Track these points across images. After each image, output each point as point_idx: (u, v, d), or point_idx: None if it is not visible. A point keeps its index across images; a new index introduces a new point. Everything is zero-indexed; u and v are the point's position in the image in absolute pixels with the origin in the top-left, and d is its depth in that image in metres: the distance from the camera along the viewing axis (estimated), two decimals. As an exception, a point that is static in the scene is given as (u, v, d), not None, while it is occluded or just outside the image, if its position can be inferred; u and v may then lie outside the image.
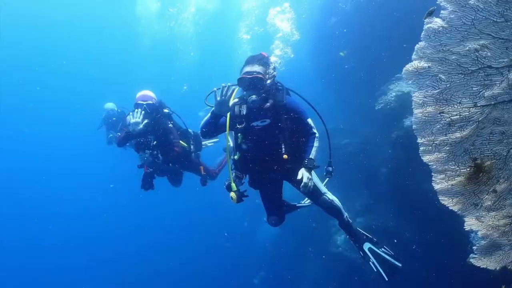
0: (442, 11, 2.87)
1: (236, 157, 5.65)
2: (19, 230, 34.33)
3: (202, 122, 5.52)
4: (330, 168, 5.57)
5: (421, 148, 3.17)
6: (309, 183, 5.02)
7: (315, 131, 5.45)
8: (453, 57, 2.89)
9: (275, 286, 18.71)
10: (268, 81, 5.33)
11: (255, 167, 5.62)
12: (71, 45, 42.95)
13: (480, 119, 2.94)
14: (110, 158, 28.19)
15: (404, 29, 11.86)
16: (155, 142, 7.80)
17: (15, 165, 40.69)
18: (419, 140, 3.16)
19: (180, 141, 8.10)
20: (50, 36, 42.04)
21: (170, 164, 8.11)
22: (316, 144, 5.37)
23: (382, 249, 5.82)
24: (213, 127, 5.47)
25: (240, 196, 5.37)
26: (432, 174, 3.16)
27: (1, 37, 36.89)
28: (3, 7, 34.80)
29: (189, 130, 8.56)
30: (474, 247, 3.16)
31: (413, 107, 3.11)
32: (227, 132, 5.42)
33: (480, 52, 2.82)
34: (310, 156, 5.23)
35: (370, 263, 5.75)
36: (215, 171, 9.37)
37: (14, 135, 42.64)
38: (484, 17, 2.76)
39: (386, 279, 5.65)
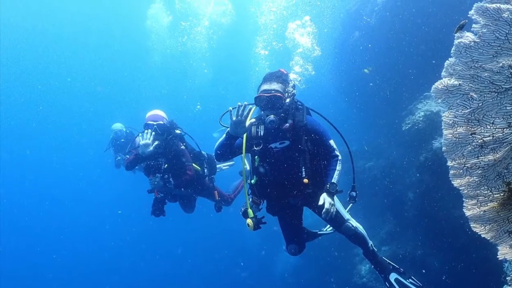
0: (473, 25, 2.86)
1: (253, 181, 5.62)
2: (21, 261, 34.38)
3: (217, 143, 5.51)
4: (353, 193, 5.47)
5: (451, 172, 3.15)
6: (331, 209, 4.98)
7: (337, 153, 5.42)
8: (486, 74, 2.88)
9: (294, 319, 18.62)
10: (287, 100, 5.31)
11: (274, 192, 5.59)
12: (77, 62, 43.18)
13: (514, 140, 2.93)
14: (118, 182, 28.33)
15: (433, 44, 11.88)
16: (166, 165, 7.79)
17: (16, 190, 40.79)
18: (449, 163, 3.14)
19: (193, 164, 8.09)
20: (54, 52, 42.28)
21: (182, 189, 8.05)
22: (338, 167, 5.33)
23: (410, 279, 5.77)
24: (228, 149, 5.44)
25: (257, 223, 5.31)
26: (463, 199, 3.14)
27: (2, 51, 37.14)
28: (5, 20, 35.13)
29: (203, 152, 8.54)
30: (508, 278, 3.14)
31: (442, 127, 3.10)
32: (243, 154, 5.40)
33: (514, 68, 2.82)
34: (332, 180, 5.18)
35: (397, 295, 5.71)
36: (231, 196, 9.31)
37: (15, 157, 42.81)
38: (518, 31, 2.76)
39: (414, 313, 5.60)
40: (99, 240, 33.96)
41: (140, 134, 7.65)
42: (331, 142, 5.43)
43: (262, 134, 5.33)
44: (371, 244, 5.85)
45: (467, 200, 3.14)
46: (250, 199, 5.64)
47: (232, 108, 5.04)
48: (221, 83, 41.68)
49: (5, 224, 35.06)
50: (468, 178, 3.09)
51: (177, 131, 7.97)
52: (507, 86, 2.86)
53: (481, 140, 2.98)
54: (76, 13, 39.55)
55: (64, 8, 38.89)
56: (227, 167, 10.50)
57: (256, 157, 5.51)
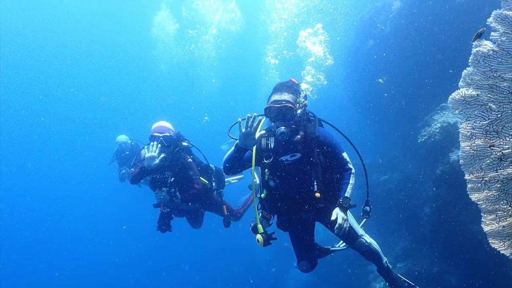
0: (492, 33, 2.86)
1: (262, 195, 5.59)
2: (22, 278, 34.32)
3: (225, 156, 5.50)
4: (367, 208, 5.42)
5: (469, 186, 3.15)
6: (344, 224, 4.95)
7: (351, 166, 5.40)
8: (505, 84, 2.87)
9: None
10: (299, 111, 5.28)
11: (284, 207, 5.57)
12: (80, 71, 43.19)
13: (535, 153, 2.92)
14: (122, 196, 28.28)
15: (450, 52, 11.87)
16: (172, 178, 7.78)
17: (16, 205, 40.76)
18: (467, 177, 3.13)
19: (201, 178, 8.07)
20: (56, 61, 42.30)
21: (190, 203, 8.04)
22: (352, 181, 5.30)
23: (426, 298, 5.76)
24: (237, 162, 5.43)
25: (267, 238, 5.29)
26: (481, 214, 3.13)
27: (2, 60, 37.22)
28: (6, 28, 35.22)
29: (211, 165, 8.52)
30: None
31: (460, 139, 3.10)
32: (253, 167, 5.39)
33: (534, 78, 2.81)
34: (346, 194, 5.15)
35: (413, 314, 5.69)
36: (240, 211, 9.26)
37: (15, 171, 42.82)
38: (538, 40, 2.76)
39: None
40: (103, 257, 33.84)
41: (145, 147, 7.64)
42: (344, 154, 5.40)
43: (272, 146, 5.31)
44: (386, 261, 5.83)
45: (485, 215, 3.13)
46: (260, 214, 5.60)
47: (241, 119, 5.00)
48: (230, 93, 41.69)
49: (6, 240, 35.02)
50: (486, 192, 3.08)
51: (184, 143, 7.96)
52: (527, 97, 2.85)
53: (500, 153, 2.97)
54: (79, 20, 39.68)
55: (67, 16, 39.04)
56: (236, 180, 10.48)
57: (266, 170, 5.48)
